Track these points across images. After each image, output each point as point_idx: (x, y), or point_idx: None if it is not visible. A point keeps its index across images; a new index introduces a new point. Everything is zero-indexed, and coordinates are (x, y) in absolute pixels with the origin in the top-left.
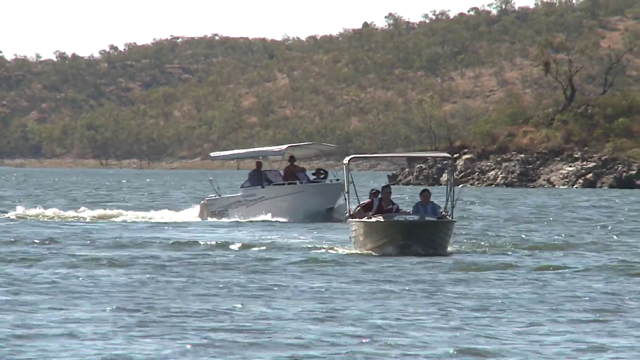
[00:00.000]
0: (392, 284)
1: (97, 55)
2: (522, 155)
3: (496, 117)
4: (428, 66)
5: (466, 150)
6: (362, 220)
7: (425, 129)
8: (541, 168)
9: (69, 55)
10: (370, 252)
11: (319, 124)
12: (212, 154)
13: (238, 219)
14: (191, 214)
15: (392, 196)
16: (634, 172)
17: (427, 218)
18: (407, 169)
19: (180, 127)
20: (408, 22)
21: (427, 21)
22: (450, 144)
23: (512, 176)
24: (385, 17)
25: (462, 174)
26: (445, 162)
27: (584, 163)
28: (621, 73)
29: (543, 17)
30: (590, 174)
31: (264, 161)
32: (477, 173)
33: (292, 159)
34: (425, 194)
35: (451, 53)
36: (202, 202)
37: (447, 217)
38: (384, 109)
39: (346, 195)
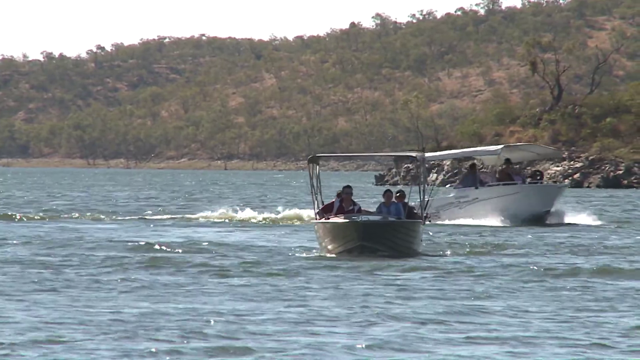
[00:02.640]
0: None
1: (84, 55)
2: None
3: (483, 117)
4: (415, 66)
5: None
6: (320, 221)
7: (413, 129)
8: (528, 168)
9: (57, 55)
10: (331, 254)
11: (306, 124)
12: (426, 155)
13: (449, 221)
14: None
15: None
16: (621, 171)
17: (390, 219)
18: (394, 169)
19: (167, 127)
20: (395, 22)
21: (415, 21)
22: (438, 144)
23: None
24: (373, 17)
25: (449, 174)
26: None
27: (571, 163)
28: (608, 73)
29: (530, 17)
30: (578, 174)
31: (477, 162)
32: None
33: (507, 161)
34: (387, 194)
35: (438, 53)
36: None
37: (427, 218)
38: (371, 109)
39: (313, 195)
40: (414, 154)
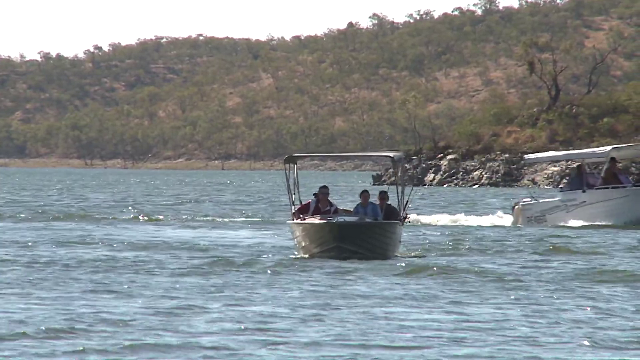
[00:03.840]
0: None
1: (81, 55)
2: (507, 155)
3: (481, 117)
4: (413, 66)
5: (450, 151)
6: (296, 222)
7: (410, 129)
8: (526, 168)
9: (54, 56)
10: (308, 255)
11: (303, 124)
12: (526, 157)
13: (557, 225)
14: (498, 219)
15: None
16: None
17: (367, 220)
18: (391, 169)
19: (164, 127)
20: (392, 22)
21: (412, 21)
22: (435, 144)
23: (497, 176)
24: (370, 17)
25: (447, 174)
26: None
27: (569, 163)
28: (605, 73)
29: (528, 17)
30: None
31: (583, 163)
32: (461, 173)
33: (613, 160)
34: (365, 194)
35: (436, 53)
36: (516, 207)
37: (406, 219)
38: (368, 109)
39: (290, 196)
40: (391, 154)
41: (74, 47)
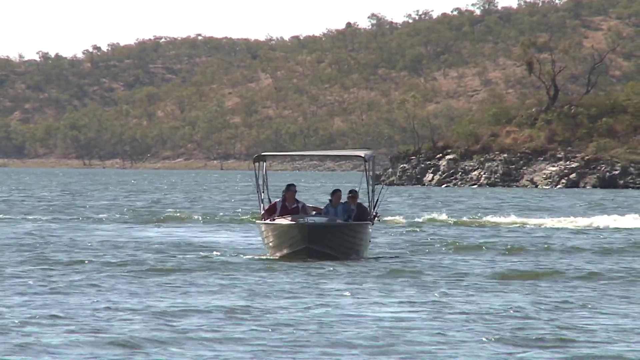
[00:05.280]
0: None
1: (80, 55)
2: (505, 155)
3: (479, 117)
4: (411, 66)
5: (449, 151)
6: (265, 222)
7: (409, 129)
8: (524, 168)
9: (52, 56)
10: (277, 256)
11: (302, 124)
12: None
13: None
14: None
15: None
16: (617, 172)
17: (338, 220)
18: (390, 169)
19: (163, 127)
20: (391, 23)
21: (411, 21)
22: (434, 144)
23: (495, 176)
24: (369, 17)
25: (445, 174)
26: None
27: (567, 163)
28: (604, 73)
29: (526, 17)
30: (574, 174)
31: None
32: (460, 173)
33: None
34: (337, 194)
35: (434, 53)
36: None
37: (376, 218)
38: (367, 109)
39: (259, 195)
40: (361, 153)
41: (72, 47)
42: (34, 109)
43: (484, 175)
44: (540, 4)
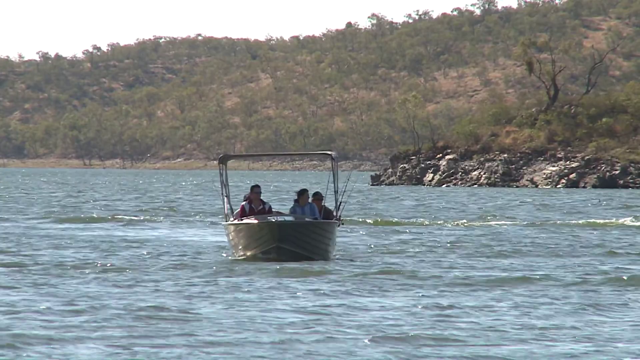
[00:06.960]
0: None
1: (80, 55)
2: (505, 155)
3: (479, 117)
4: (411, 66)
5: (449, 151)
6: (233, 223)
7: (409, 129)
8: (524, 168)
9: (52, 56)
10: (245, 257)
11: (302, 124)
12: None
13: None
14: None
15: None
16: (617, 172)
17: (307, 219)
18: (390, 169)
19: (163, 127)
20: (391, 23)
21: (411, 21)
22: (434, 144)
23: (495, 176)
24: (369, 17)
25: (445, 174)
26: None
27: (567, 163)
28: (604, 73)
29: (526, 17)
30: (574, 174)
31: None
32: (460, 173)
33: None
34: (305, 194)
35: (434, 53)
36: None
37: (341, 220)
38: (367, 110)
39: (223, 197)
40: (329, 152)
41: (72, 47)
42: (34, 109)
43: (484, 175)
44: (540, 4)
